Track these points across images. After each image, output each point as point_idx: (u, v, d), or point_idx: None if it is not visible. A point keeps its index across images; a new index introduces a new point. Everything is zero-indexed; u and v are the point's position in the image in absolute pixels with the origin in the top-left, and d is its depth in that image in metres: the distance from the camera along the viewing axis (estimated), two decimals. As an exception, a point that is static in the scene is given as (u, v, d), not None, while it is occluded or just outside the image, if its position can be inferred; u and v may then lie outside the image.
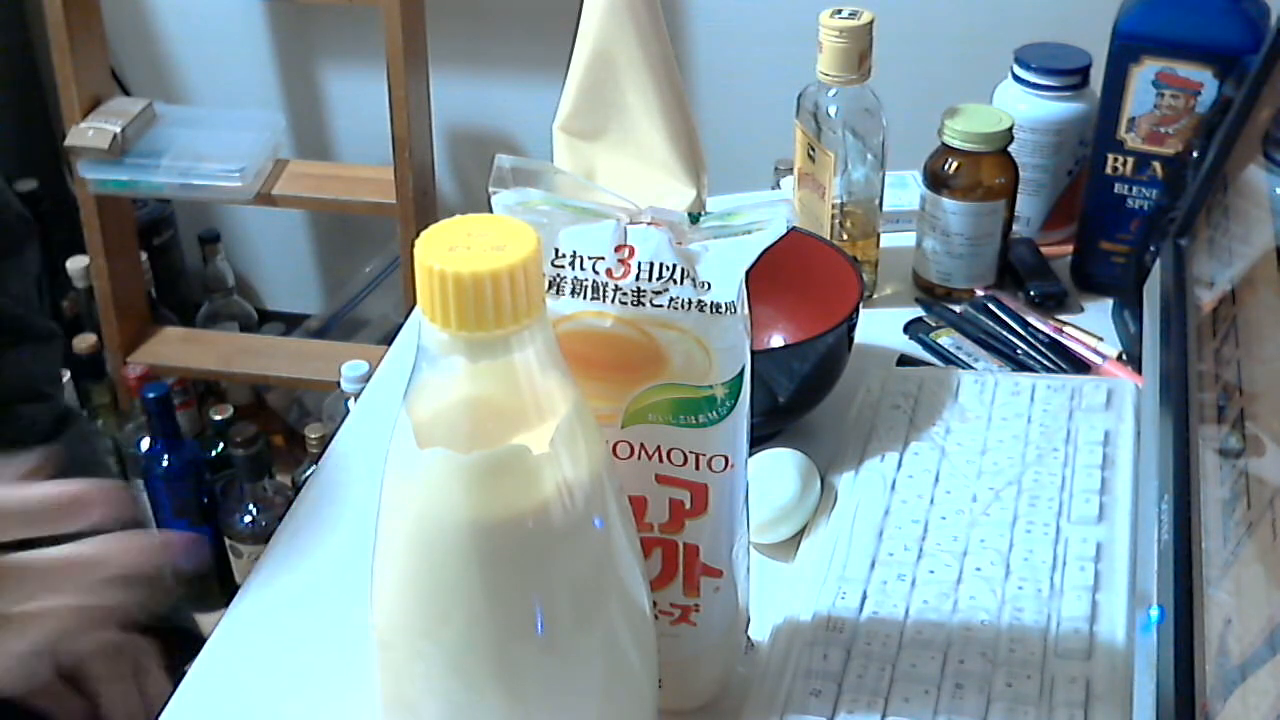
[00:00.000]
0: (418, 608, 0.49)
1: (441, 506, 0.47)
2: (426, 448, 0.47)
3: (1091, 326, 0.91)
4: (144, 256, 2.02)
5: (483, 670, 0.49)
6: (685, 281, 0.52)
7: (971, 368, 0.88)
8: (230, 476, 1.73)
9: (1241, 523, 0.55)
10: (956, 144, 0.92)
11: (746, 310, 0.53)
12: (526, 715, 0.50)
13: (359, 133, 2.04)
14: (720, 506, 0.57)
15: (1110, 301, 0.94)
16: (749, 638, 0.66)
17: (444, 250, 0.44)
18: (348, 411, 1.76)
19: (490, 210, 0.54)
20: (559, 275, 0.54)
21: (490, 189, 0.54)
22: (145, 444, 1.74)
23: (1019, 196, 0.95)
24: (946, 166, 0.93)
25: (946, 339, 0.91)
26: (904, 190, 1.03)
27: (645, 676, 0.54)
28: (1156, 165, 0.91)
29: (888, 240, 0.97)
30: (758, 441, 0.63)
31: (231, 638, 0.71)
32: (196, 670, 0.69)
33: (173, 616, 0.83)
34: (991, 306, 0.92)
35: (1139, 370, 0.83)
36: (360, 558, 0.75)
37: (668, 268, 0.52)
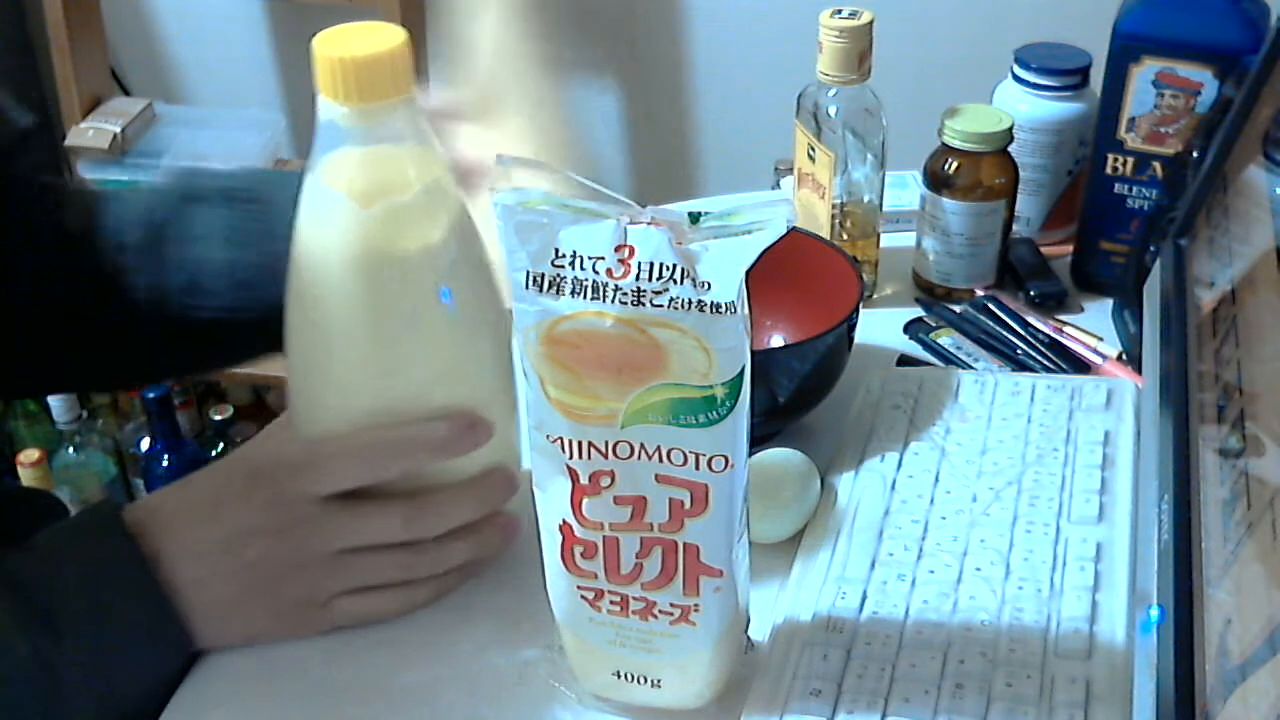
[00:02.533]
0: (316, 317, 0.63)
1: (340, 243, 0.61)
2: (335, 201, 0.60)
3: (1091, 326, 0.91)
4: (144, 256, 2.02)
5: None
6: (685, 281, 0.52)
7: (971, 368, 0.88)
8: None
9: (1241, 523, 0.55)
10: (956, 144, 0.92)
11: (746, 310, 0.53)
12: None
13: (359, 133, 2.04)
14: (720, 506, 0.57)
15: (1110, 301, 0.94)
16: (749, 638, 0.66)
17: (335, 45, 0.58)
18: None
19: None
20: (559, 275, 0.54)
21: (490, 189, 0.54)
22: (145, 444, 1.74)
23: (1019, 196, 0.95)
24: (946, 166, 0.93)
25: (946, 339, 0.91)
26: (904, 190, 1.03)
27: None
28: (1156, 165, 0.91)
29: (888, 240, 0.97)
30: (758, 441, 0.63)
31: (231, 638, 0.71)
32: (196, 670, 0.69)
33: None
34: (991, 306, 0.92)
35: (1139, 370, 0.83)
36: (360, 558, 0.75)
37: (668, 268, 0.52)
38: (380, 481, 0.64)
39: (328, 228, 0.61)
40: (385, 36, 0.58)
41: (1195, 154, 0.84)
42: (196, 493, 0.65)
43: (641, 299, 0.53)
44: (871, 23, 0.88)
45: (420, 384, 0.63)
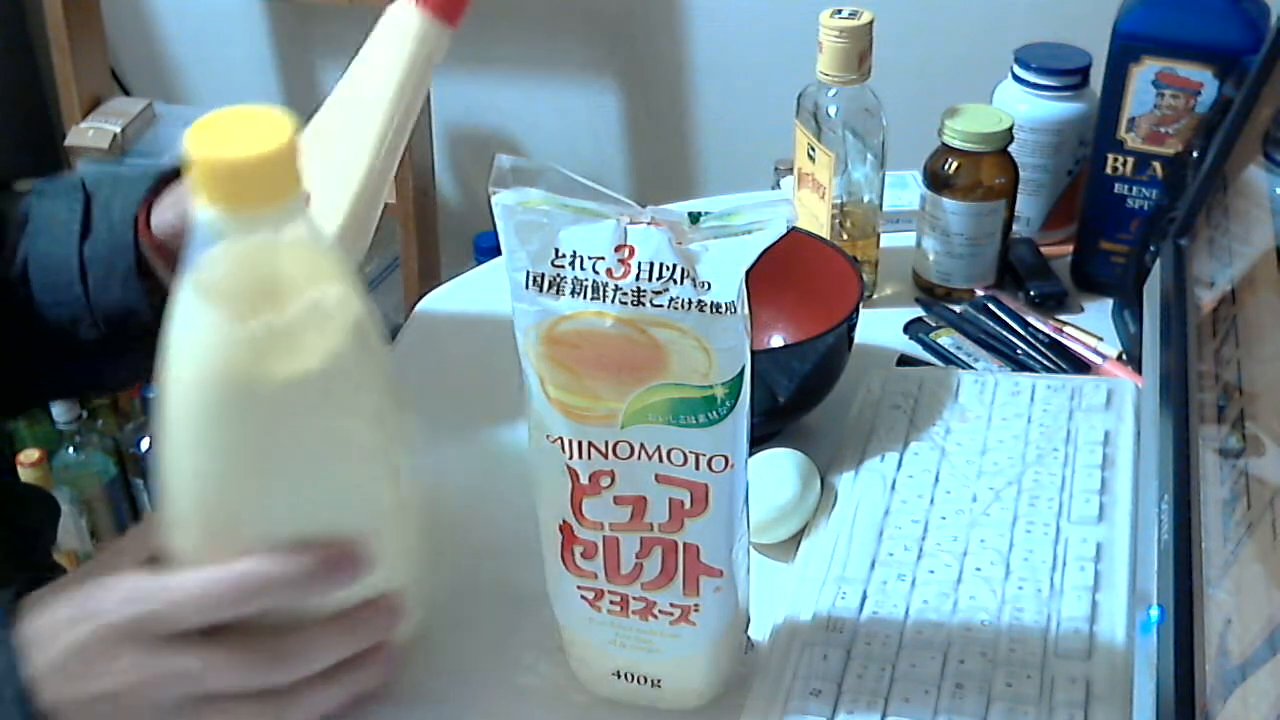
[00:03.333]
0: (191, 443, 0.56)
1: (211, 362, 0.54)
2: (205, 316, 0.53)
3: (1091, 326, 0.91)
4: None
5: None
6: (685, 281, 0.52)
7: (971, 368, 0.88)
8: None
9: (1241, 523, 0.55)
10: (956, 144, 0.92)
11: (746, 310, 0.53)
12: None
13: (359, 133, 2.04)
14: (720, 506, 0.57)
15: (1110, 301, 0.94)
16: (749, 638, 0.66)
17: (212, 140, 0.51)
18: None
19: (491, 212, 0.54)
20: (559, 275, 0.54)
21: (490, 189, 0.54)
22: (145, 444, 1.74)
23: (1019, 196, 0.95)
24: (946, 166, 0.93)
25: (946, 339, 0.91)
26: (904, 190, 1.03)
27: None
28: (1156, 165, 0.91)
29: (888, 240, 0.97)
30: (758, 441, 0.63)
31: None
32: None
33: None
34: (991, 306, 0.92)
35: (1139, 370, 0.83)
36: (360, 558, 0.75)
37: (668, 268, 0.52)
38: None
39: (194, 342, 0.54)
40: (271, 130, 0.51)
41: (1195, 154, 0.84)
42: (67, 639, 0.57)
43: (641, 299, 0.53)
44: (871, 23, 0.88)
45: (290, 516, 0.57)
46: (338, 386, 0.55)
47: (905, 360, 0.90)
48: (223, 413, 0.54)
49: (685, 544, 0.58)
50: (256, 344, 0.53)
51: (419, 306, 0.99)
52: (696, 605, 0.60)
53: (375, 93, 0.71)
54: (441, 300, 1.01)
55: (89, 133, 1.74)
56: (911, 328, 0.93)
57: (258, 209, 0.51)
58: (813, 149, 0.92)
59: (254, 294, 0.53)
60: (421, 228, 1.82)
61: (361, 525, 0.58)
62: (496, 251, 0.56)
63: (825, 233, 0.92)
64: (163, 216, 0.75)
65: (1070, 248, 0.99)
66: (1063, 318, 0.93)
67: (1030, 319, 0.91)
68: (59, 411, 1.74)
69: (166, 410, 0.55)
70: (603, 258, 0.53)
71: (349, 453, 0.57)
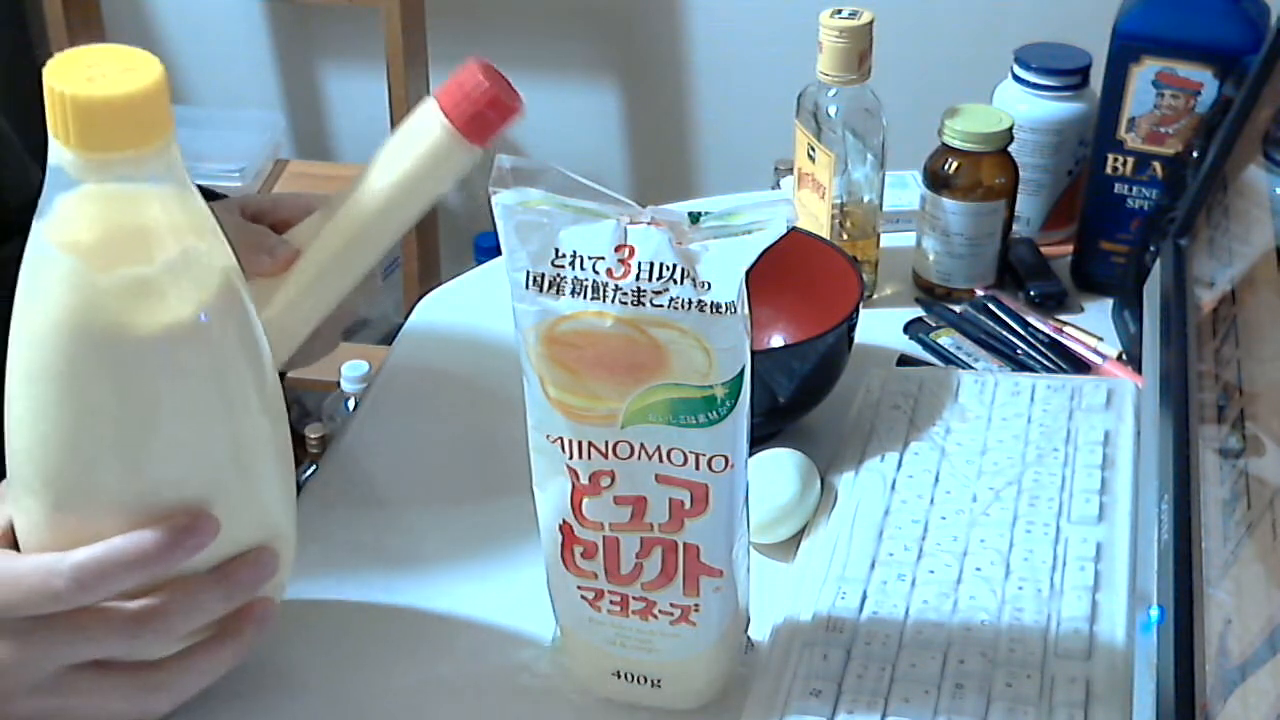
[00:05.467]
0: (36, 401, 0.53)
1: (70, 314, 0.51)
2: (63, 260, 0.51)
3: (1091, 326, 0.91)
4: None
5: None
6: (685, 281, 0.52)
7: (971, 368, 0.88)
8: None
9: (1241, 523, 0.55)
10: (956, 144, 0.92)
11: (746, 310, 0.53)
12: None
13: (359, 133, 2.04)
14: (720, 506, 0.57)
15: (1110, 301, 0.94)
16: (749, 638, 0.66)
17: (74, 76, 0.48)
18: (348, 411, 1.76)
19: (491, 212, 0.54)
20: (559, 275, 0.54)
21: (490, 189, 0.54)
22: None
23: (1019, 196, 0.95)
24: (946, 166, 0.93)
25: (946, 339, 0.91)
26: (904, 190, 1.03)
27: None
28: (1156, 165, 0.91)
29: (888, 240, 0.97)
30: (758, 441, 0.63)
31: (231, 638, 0.71)
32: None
33: None
34: (991, 306, 0.92)
35: (1139, 370, 0.83)
36: (360, 558, 0.75)
37: (668, 268, 0.52)
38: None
39: (50, 293, 0.51)
40: (136, 70, 0.48)
41: (1195, 154, 0.84)
42: None
43: (641, 299, 0.53)
44: (871, 23, 0.88)
45: (150, 476, 0.55)
46: (204, 341, 0.53)
47: (905, 360, 0.90)
48: (79, 367, 0.52)
49: (685, 544, 0.58)
50: (118, 294, 0.51)
51: (419, 306, 0.99)
52: (696, 605, 0.60)
53: (367, 201, 0.67)
54: (441, 300, 1.01)
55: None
56: (911, 328, 0.93)
57: (121, 152, 0.49)
58: (813, 149, 0.92)
59: (114, 243, 0.51)
60: (421, 228, 1.82)
61: (227, 481, 0.56)
62: (496, 251, 0.56)
63: (825, 233, 0.92)
64: None
65: (1070, 248, 0.99)
66: (1063, 318, 0.93)
67: (1030, 319, 0.91)
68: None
69: (14, 368, 0.53)
70: (603, 258, 0.53)
71: (211, 410, 0.55)
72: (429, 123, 0.65)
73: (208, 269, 0.53)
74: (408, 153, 0.66)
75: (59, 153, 0.49)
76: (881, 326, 0.92)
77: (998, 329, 0.91)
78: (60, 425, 0.53)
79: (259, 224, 0.70)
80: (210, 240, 0.54)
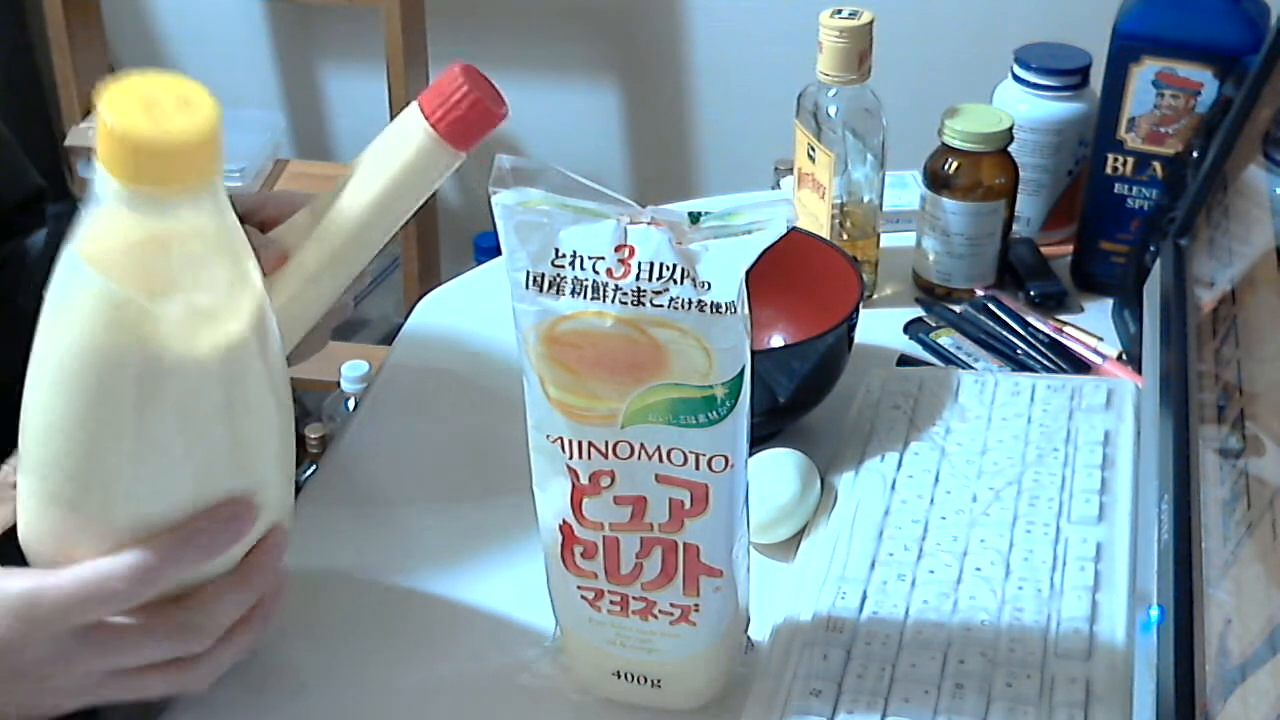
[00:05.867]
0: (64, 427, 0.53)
1: (100, 339, 0.51)
2: (96, 280, 0.50)
3: (1091, 326, 0.91)
4: (144, 256, 2.02)
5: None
6: (685, 281, 0.52)
7: (971, 368, 0.88)
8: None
9: (1241, 523, 0.55)
10: (956, 144, 0.92)
11: (746, 310, 0.53)
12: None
13: (359, 133, 2.03)
14: (720, 506, 0.57)
15: (1110, 301, 0.94)
16: (749, 638, 0.66)
17: (128, 108, 0.48)
18: (348, 411, 1.76)
19: (491, 212, 0.54)
20: (559, 275, 0.54)
21: (490, 189, 0.54)
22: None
23: (1019, 196, 0.95)
24: (946, 166, 0.93)
25: (946, 339, 0.91)
26: (904, 190, 1.03)
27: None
28: (1156, 165, 0.91)
29: (888, 240, 0.97)
30: (758, 441, 0.63)
31: (231, 638, 0.71)
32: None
33: None
34: (991, 306, 0.92)
35: (1139, 370, 0.83)
36: (360, 559, 0.75)
37: (668, 268, 0.52)
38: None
39: (84, 314, 0.51)
40: (192, 106, 0.49)
41: (1195, 154, 0.84)
42: None
43: (641, 299, 0.53)
44: (871, 23, 0.88)
45: (184, 496, 0.55)
46: (231, 371, 0.53)
47: (905, 360, 0.90)
48: (110, 385, 0.51)
49: (685, 544, 0.58)
50: (154, 319, 0.51)
51: (419, 306, 0.99)
52: (696, 605, 0.60)
53: (352, 207, 0.67)
54: (441, 300, 1.01)
55: (89, 133, 1.74)
56: (911, 328, 0.93)
57: (170, 191, 0.49)
58: (813, 149, 0.92)
59: (154, 272, 0.51)
60: (421, 228, 1.82)
61: (248, 485, 0.57)
62: (496, 251, 0.56)
63: (825, 233, 0.92)
64: None
65: (1070, 248, 0.99)
66: (1063, 318, 0.93)
67: (1030, 319, 0.91)
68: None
69: (40, 386, 0.53)
70: (603, 258, 0.53)
71: (249, 428, 0.56)
72: (412, 127, 0.65)
73: (240, 302, 0.53)
74: (391, 158, 0.66)
75: (104, 180, 0.49)
76: (881, 326, 0.92)
77: (998, 329, 0.91)
78: (85, 438, 0.53)
79: (246, 223, 0.70)
80: (246, 266, 0.54)
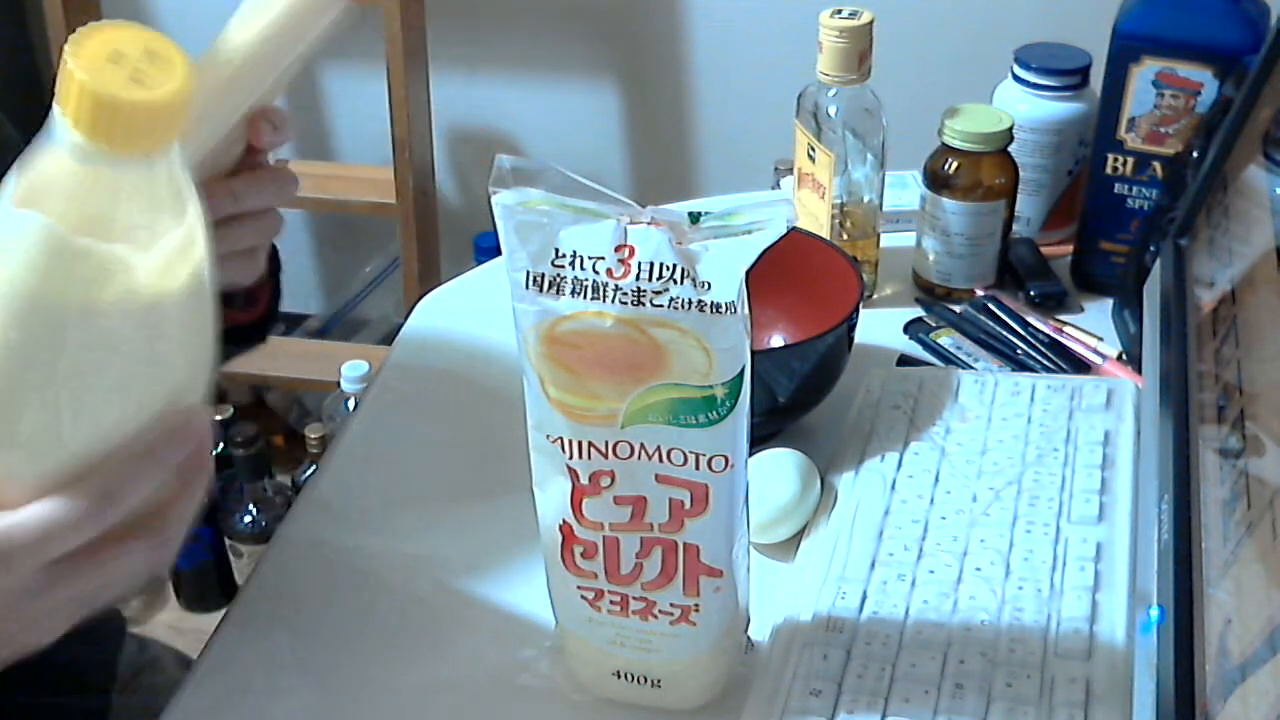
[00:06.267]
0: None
1: (38, 278, 0.49)
2: (39, 224, 0.48)
3: (1091, 326, 0.91)
4: (144, 256, 2.02)
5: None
6: (685, 281, 0.52)
7: (971, 368, 0.88)
8: (230, 476, 1.73)
9: (1241, 523, 0.55)
10: (956, 144, 0.92)
11: (747, 310, 0.53)
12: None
13: (359, 133, 2.04)
14: (720, 506, 0.57)
15: (1110, 301, 0.94)
16: (749, 638, 0.66)
17: (97, 60, 0.46)
18: (348, 411, 1.76)
19: (491, 212, 0.54)
20: (559, 275, 0.54)
21: (490, 189, 0.54)
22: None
23: (1019, 196, 0.95)
24: (946, 166, 0.93)
25: (946, 339, 0.91)
26: (904, 190, 1.03)
27: None
28: (1156, 165, 0.91)
29: (888, 240, 0.97)
30: (758, 441, 0.63)
31: (232, 638, 0.71)
32: (197, 670, 0.69)
33: None
34: (991, 306, 0.92)
35: (1139, 370, 0.83)
36: (361, 558, 0.76)
37: (668, 268, 0.52)
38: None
39: (22, 253, 0.49)
40: (162, 63, 0.48)
41: (1195, 154, 0.84)
42: None
43: (641, 299, 0.53)
44: (871, 23, 0.88)
45: (125, 425, 0.53)
46: (171, 315, 0.52)
47: (905, 360, 0.90)
48: (47, 325, 0.50)
49: (685, 544, 0.58)
50: (94, 262, 0.49)
51: (419, 306, 0.99)
52: (696, 605, 0.60)
53: (231, 50, 0.66)
54: (441, 300, 1.01)
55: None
56: (911, 328, 0.93)
57: (133, 152, 0.47)
58: (813, 149, 0.92)
59: (99, 218, 0.49)
60: (421, 228, 1.82)
61: (187, 397, 0.55)
62: (496, 251, 0.56)
63: (825, 233, 0.92)
64: None
65: (1070, 248, 0.99)
66: (1063, 318, 0.93)
67: (1030, 319, 0.91)
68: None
69: None
70: (603, 258, 0.53)
71: (174, 362, 0.54)
72: None
73: (181, 258, 0.52)
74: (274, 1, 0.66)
75: (63, 128, 0.47)
76: (881, 326, 0.92)
77: (998, 329, 0.91)
78: (30, 379, 0.51)
79: None
80: (191, 217, 0.52)
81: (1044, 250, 1.00)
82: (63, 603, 0.56)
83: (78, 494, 0.53)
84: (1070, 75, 0.97)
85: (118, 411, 0.54)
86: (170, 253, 0.52)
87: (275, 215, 0.70)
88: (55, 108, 0.47)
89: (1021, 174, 0.94)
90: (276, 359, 1.92)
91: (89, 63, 0.46)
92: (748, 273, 0.52)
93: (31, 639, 0.57)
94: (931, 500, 0.73)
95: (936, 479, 0.75)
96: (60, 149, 0.48)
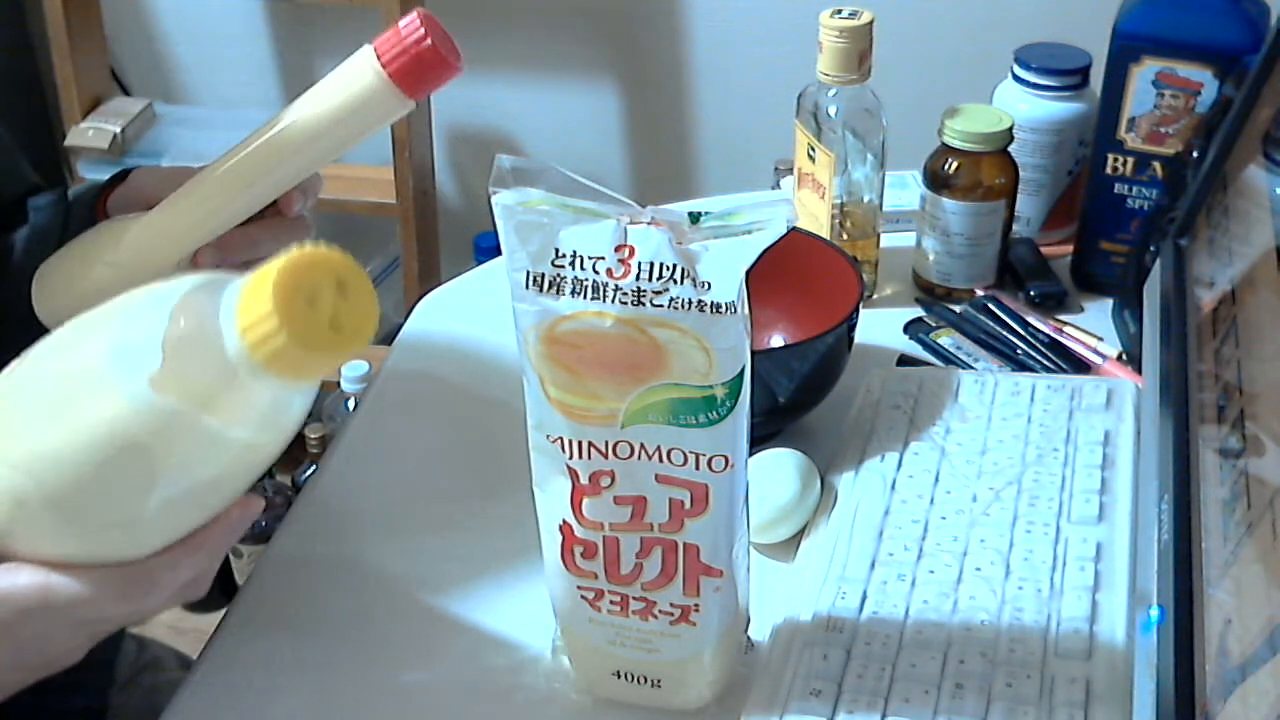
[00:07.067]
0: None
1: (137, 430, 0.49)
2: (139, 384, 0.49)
3: (1091, 326, 0.91)
4: (144, 256, 2.02)
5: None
6: (685, 281, 0.52)
7: (971, 368, 0.88)
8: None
9: (1241, 523, 0.55)
10: (956, 144, 0.92)
11: (747, 310, 0.53)
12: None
13: (359, 133, 2.04)
14: (720, 506, 0.57)
15: (1110, 301, 0.94)
16: (749, 638, 0.66)
17: (298, 300, 0.46)
18: (348, 411, 1.76)
19: (491, 212, 0.54)
20: (559, 275, 0.54)
21: (490, 189, 0.54)
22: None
23: (1019, 196, 0.95)
24: (946, 166, 0.93)
25: (946, 339, 0.91)
26: (904, 190, 1.03)
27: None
28: (1156, 165, 0.91)
29: (888, 240, 0.97)
30: (758, 441, 0.63)
31: (232, 638, 0.71)
32: (197, 670, 0.69)
33: None
34: (991, 306, 0.92)
35: (1139, 370, 0.83)
36: (361, 559, 0.76)
37: (668, 268, 0.52)
38: None
39: (126, 403, 0.49)
40: (357, 308, 0.47)
41: (1195, 154, 0.84)
42: None
43: (641, 299, 0.53)
44: (871, 23, 0.88)
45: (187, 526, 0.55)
46: (239, 467, 0.53)
47: (905, 360, 0.90)
48: (132, 466, 0.51)
49: (685, 544, 0.58)
50: (193, 427, 0.49)
51: (419, 306, 0.99)
52: (696, 605, 0.60)
53: (285, 132, 0.66)
54: (441, 300, 1.01)
55: (89, 133, 1.74)
56: (911, 328, 0.93)
57: (300, 383, 0.49)
58: (813, 149, 0.92)
59: (216, 400, 0.49)
60: (421, 228, 1.82)
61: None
62: (496, 251, 0.56)
63: (825, 233, 0.92)
64: (114, 204, 0.74)
65: (1070, 248, 0.99)
66: (1063, 318, 0.93)
67: (1030, 319, 0.91)
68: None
69: (53, 411, 0.52)
70: (603, 258, 0.53)
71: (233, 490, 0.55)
72: (363, 67, 0.64)
73: (248, 456, 0.53)
74: (337, 92, 0.65)
75: (234, 339, 0.47)
76: (881, 326, 0.92)
77: (998, 329, 0.91)
78: (113, 489, 0.52)
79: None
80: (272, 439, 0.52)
81: (1044, 250, 1.00)
82: (84, 643, 0.58)
83: (121, 577, 0.55)
84: (1070, 75, 0.97)
85: (187, 526, 0.55)
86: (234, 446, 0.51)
87: None
88: (232, 317, 0.47)
89: (1021, 174, 0.94)
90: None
91: (288, 305, 0.46)
92: (748, 273, 0.52)
93: (44, 672, 0.58)
94: (931, 500, 0.73)
95: (936, 479, 0.75)
96: (219, 351, 0.47)
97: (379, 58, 0.63)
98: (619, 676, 0.64)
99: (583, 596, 0.61)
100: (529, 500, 0.60)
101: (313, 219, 0.73)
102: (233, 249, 0.68)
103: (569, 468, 0.57)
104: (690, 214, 0.54)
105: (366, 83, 0.64)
